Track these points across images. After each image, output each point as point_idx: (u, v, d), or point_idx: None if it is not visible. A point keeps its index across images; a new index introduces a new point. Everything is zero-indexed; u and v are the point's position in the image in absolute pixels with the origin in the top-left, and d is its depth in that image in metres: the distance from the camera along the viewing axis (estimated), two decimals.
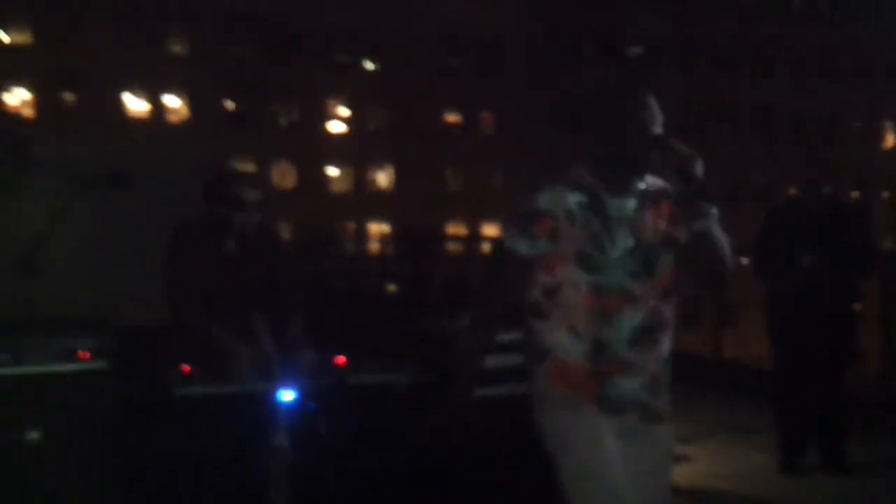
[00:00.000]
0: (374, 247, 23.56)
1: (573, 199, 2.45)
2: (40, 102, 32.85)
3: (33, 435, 3.21)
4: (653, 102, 2.46)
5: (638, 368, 2.50)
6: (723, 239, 2.46)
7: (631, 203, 2.49)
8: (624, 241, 2.46)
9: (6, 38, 32.62)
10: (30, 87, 33.05)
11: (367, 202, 37.09)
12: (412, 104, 36.66)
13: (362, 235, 34.56)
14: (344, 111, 37.62)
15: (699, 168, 2.34)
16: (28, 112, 33.02)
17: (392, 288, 13.46)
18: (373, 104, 37.18)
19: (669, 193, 2.51)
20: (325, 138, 37.01)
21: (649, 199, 2.51)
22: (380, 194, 38.09)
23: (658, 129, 2.43)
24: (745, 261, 4.88)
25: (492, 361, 3.75)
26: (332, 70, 36.19)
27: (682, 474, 4.99)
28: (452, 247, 19.67)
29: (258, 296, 3.93)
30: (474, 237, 27.40)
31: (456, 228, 35.34)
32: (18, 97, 33.17)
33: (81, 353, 3.28)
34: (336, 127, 37.65)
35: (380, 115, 37.62)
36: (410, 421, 3.68)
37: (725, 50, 40.26)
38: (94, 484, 3.27)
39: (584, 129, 2.53)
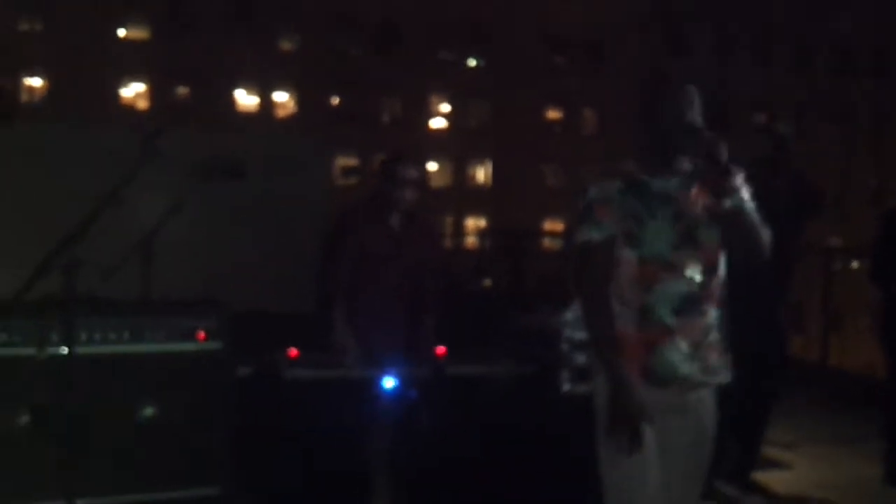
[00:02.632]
0: (471, 241, 23.66)
1: (615, 186, 2.65)
2: (155, 96, 34.12)
3: (149, 411, 3.36)
4: (693, 95, 2.66)
5: (681, 336, 2.62)
6: (756, 218, 2.62)
7: (674, 182, 2.66)
8: (665, 217, 2.63)
9: (123, 34, 33.99)
10: (146, 81, 34.36)
11: (465, 197, 37.23)
12: (513, 100, 36.61)
13: (460, 230, 34.70)
14: (445, 107, 37.84)
15: (723, 151, 2.52)
16: (142, 104, 34.34)
17: (488, 282, 13.49)
18: (474, 100, 37.29)
19: (704, 175, 2.67)
20: (426, 133, 37.30)
21: (693, 178, 2.68)
22: (478, 189, 38.19)
23: (698, 119, 2.62)
24: (854, 264, 4.75)
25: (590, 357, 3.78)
26: (435, 66, 36.44)
27: (782, 481, 4.88)
28: (548, 243, 19.58)
29: (411, 277, 4.07)
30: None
31: (553, 225, 35.15)
32: (134, 90, 34.52)
33: (199, 334, 3.42)
34: (437, 122, 37.90)
35: (481, 111, 37.69)
36: (508, 412, 3.72)
37: (843, 51, 38.92)
38: (206, 460, 3.40)
39: (633, 117, 2.75)
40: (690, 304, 2.62)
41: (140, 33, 34.17)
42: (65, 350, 2.95)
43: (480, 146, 37.49)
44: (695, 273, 2.62)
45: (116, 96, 34.01)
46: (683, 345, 2.62)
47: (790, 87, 37.57)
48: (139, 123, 24.03)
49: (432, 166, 38.02)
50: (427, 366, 3.77)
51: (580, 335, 3.77)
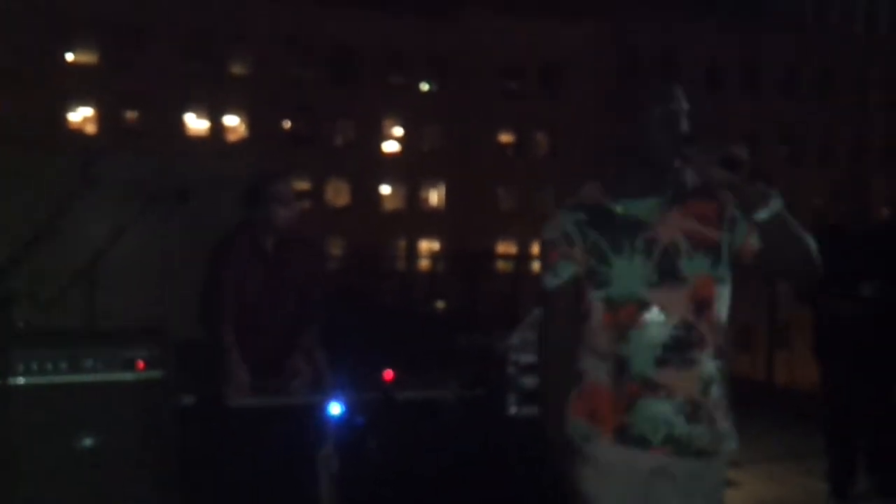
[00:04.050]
0: (424, 264, 23.71)
1: (571, 218, 2.27)
2: (103, 120, 33.72)
3: (88, 442, 3.30)
4: (680, 97, 2.24)
5: (670, 391, 2.18)
6: (797, 225, 2.17)
7: (648, 204, 2.23)
8: (636, 249, 2.20)
9: (71, 58, 33.57)
10: (94, 105, 33.95)
11: (418, 220, 37.29)
12: (466, 124, 36.85)
13: (413, 252, 34.71)
14: (398, 130, 37.95)
15: (743, 151, 2.08)
16: (91, 129, 33.90)
17: (441, 305, 13.50)
18: (427, 124, 37.46)
19: (704, 191, 2.25)
20: (379, 157, 37.34)
21: (675, 198, 2.24)
22: (431, 212, 38.28)
23: (685, 126, 2.21)
24: None
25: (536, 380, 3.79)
26: (388, 90, 36.56)
27: (731, 499, 4.92)
28: (502, 265, 19.65)
29: (293, 300, 3.87)
30: (525, 256, 27.34)
31: (506, 247, 35.31)
32: (82, 115, 34.08)
33: (138, 363, 3.37)
34: (390, 146, 37.98)
35: (433, 135, 37.88)
36: (455, 436, 3.71)
37: (787, 74, 39.88)
38: (147, 491, 3.34)
39: (609, 126, 2.31)
40: (677, 352, 2.18)
41: (88, 57, 33.80)
42: (0, 382, 2.90)
43: (433, 169, 37.64)
44: (682, 313, 2.18)
45: (64, 121, 33.56)
46: (673, 403, 2.18)
47: (739, 112, 38.32)
48: (83, 149, 23.71)
49: (385, 189, 38.05)
50: (375, 391, 3.74)
51: (526, 358, 3.79)
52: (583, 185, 2.35)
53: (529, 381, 3.78)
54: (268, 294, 3.84)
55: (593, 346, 2.25)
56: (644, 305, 2.18)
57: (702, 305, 2.20)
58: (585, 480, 2.23)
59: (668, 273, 2.19)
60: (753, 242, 2.23)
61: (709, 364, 2.20)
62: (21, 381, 3.19)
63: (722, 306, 2.25)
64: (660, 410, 2.18)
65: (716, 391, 2.22)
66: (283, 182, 3.90)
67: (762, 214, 2.12)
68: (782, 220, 2.14)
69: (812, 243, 2.20)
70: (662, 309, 2.18)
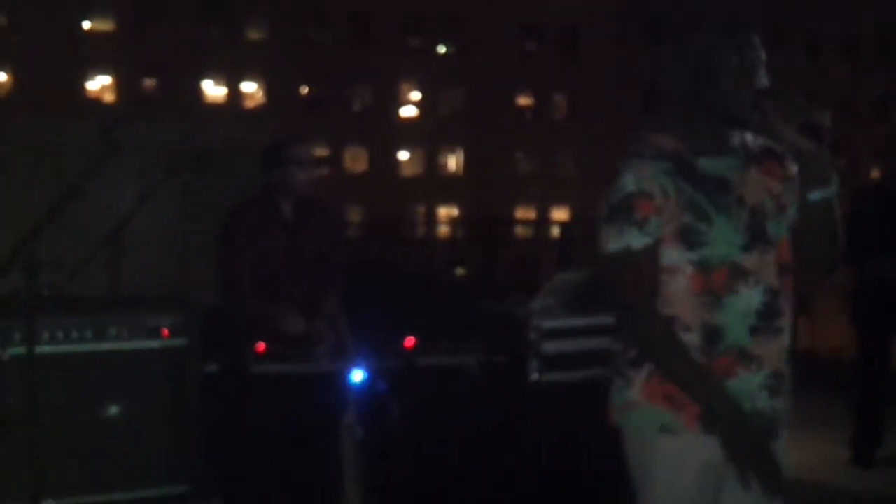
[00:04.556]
0: (443, 230, 23.69)
1: (658, 167, 2.04)
2: (122, 88, 33.76)
3: (112, 410, 3.32)
4: (758, 45, 2.06)
5: (761, 363, 2.07)
6: (839, 213, 2.09)
7: (727, 161, 2.08)
8: (728, 206, 2.05)
9: (88, 26, 33.55)
10: (112, 73, 33.98)
11: (437, 186, 37.22)
12: (485, 88, 36.61)
13: (432, 219, 34.70)
14: (416, 95, 37.76)
15: (827, 118, 1.96)
16: (109, 97, 33.96)
17: (461, 271, 13.51)
18: (445, 88, 37.25)
19: (778, 153, 2.14)
20: (397, 122, 37.22)
21: (753, 157, 2.11)
22: (450, 178, 38.19)
23: (764, 78, 2.05)
24: None
25: (561, 346, 3.79)
26: (405, 54, 36.34)
27: None
28: (521, 231, 19.62)
29: (313, 266, 3.85)
30: (544, 221, 27.28)
31: (525, 212, 35.22)
32: (100, 83, 34.13)
33: (163, 331, 3.39)
34: (408, 111, 37.82)
35: (452, 99, 37.67)
36: (477, 402, 3.72)
37: (809, 29, 39.28)
38: (173, 459, 3.37)
39: (674, 80, 2.11)
40: (768, 319, 2.06)
41: (106, 25, 33.78)
42: (26, 350, 2.92)
43: (452, 134, 37.47)
44: (770, 279, 2.06)
45: (83, 89, 33.62)
46: (761, 375, 2.07)
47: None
48: (104, 115, 23.76)
49: (403, 155, 37.95)
50: (397, 358, 3.74)
51: (548, 324, 3.78)
52: (645, 134, 2.13)
53: (551, 347, 3.77)
54: (288, 260, 3.82)
55: (676, 314, 2.04)
56: (738, 269, 2.03)
57: (784, 270, 2.10)
58: (660, 466, 2.09)
59: (758, 236, 2.06)
60: (793, 214, 2.14)
61: (787, 333, 2.11)
62: (46, 349, 3.20)
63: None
64: (749, 385, 2.06)
65: (790, 362, 2.14)
66: (302, 145, 3.88)
67: (816, 195, 2.05)
68: (829, 206, 2.07)
69: (842, 240, 2.14)
70: (755, 273, 2.05)
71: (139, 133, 4.99)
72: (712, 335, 2.04)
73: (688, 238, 2.03)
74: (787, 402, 2.15)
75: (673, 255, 2.04)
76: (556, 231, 16.23)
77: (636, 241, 2.04)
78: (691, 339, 2.04)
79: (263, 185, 3.88)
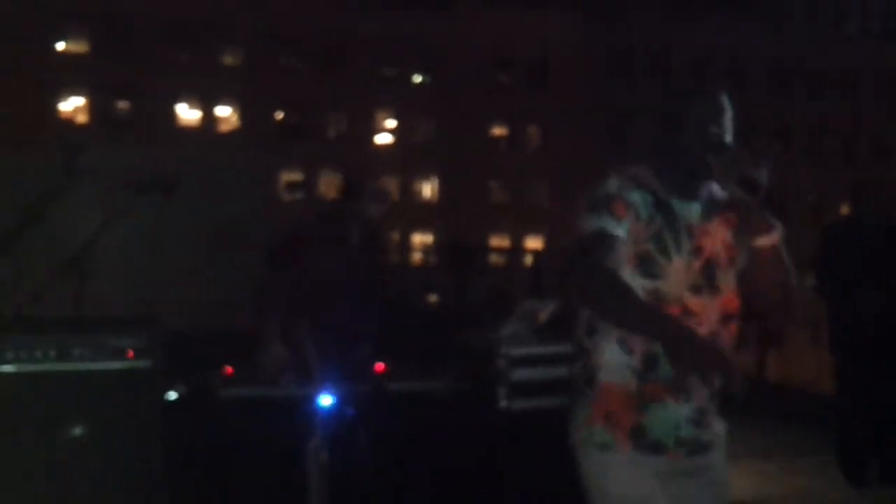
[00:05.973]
0: (417, 257, 23.71)
1: (640, 192, 2.17)
2: (94, 110, 33.57)
3: (76, 430, 3.28)
4: (725, 106, 2.23)
5: (689, 397, 2.19)
6: (789, 260, 2.22)
7: (696, 208, 2.22)
8: (687, 249, 2.18)
9: (62, 47, 33.40)
10: (85, 95, 33.80)
11: (411, 213, 37.27)
12: (459, 117, 36.82)
13: (406, 245, 34.71)
14: (391, 122, 37.89)
15: (762, 174, 2.09)
16: (82, 118, 33.75)
17: (433, 298, 13.51)
18: (420, 116, 37.41)
19: (735, 205, 2.23)
20: (371, 149, 37.29)
21: (716, 207, 2.25)
22: (424, 205, 38.25)
23: (728, 138, 2.21)
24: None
25: (530, 373, 3.79)
26: (380, 82, 36.49)
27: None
28: (495, 259, 19.67)
29: (362, 289, 4.00)
30: (517, 250, 27.38)
31: (499, 241, 35.33)
32: (73, 104, 33.93)
33: (127, 352, 3.35)
34: (383, 138, 37.92)
35: (426, 127, 37.83)
36: (446, 429, 3.71)
37: (777, 69, 39.96)
38: (136, 480, 3.33)
39: (660, 129, 2.28)
40: None
41: (79, 47, 33.63)
42: None
43: (426, 162, 37.60)
44: (712, 324, 2.18)
45: (55, 110, 33.40)
46: (687, 408, 2.19)
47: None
48: (65, 140, 23.62)
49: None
50: (366, 383, 3.73)
51: (517, 351, 3.78)
52: (626, 166, 2.25)
53: (520, 374, 3.77)
54: (346, 280, 3.94)
55: (623, 335, 2.15)
56: (685, 309, 2.16)
57: (727, 318, 2.24)
58: (611, 483, 2.20)
59: (708, 282, 2.20)
60: (743, 260, 2.27)
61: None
62: (10, 368, 3.18)
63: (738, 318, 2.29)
64: (675, 415, 2.19)
65: (714, 401, 2.27)
66: (382, 181, 4.23)
67: (760, 242, 2.18)
68: (777, 252, 2.19)
69: (794, 281, 2.24)
70: (698, 316, 2.17)
71: (106, 158, 4.99)
72: (650, 362, 2.16)
73: (645, 266, 2.15)
74: (715, 429, 2.28)
75: (626, 277, 2.13)
76: (529, 259, 16.30)
77: (612, 227, 2.12)
78: (630, 361, 2.17)
79: (334, 209, 4.12)
